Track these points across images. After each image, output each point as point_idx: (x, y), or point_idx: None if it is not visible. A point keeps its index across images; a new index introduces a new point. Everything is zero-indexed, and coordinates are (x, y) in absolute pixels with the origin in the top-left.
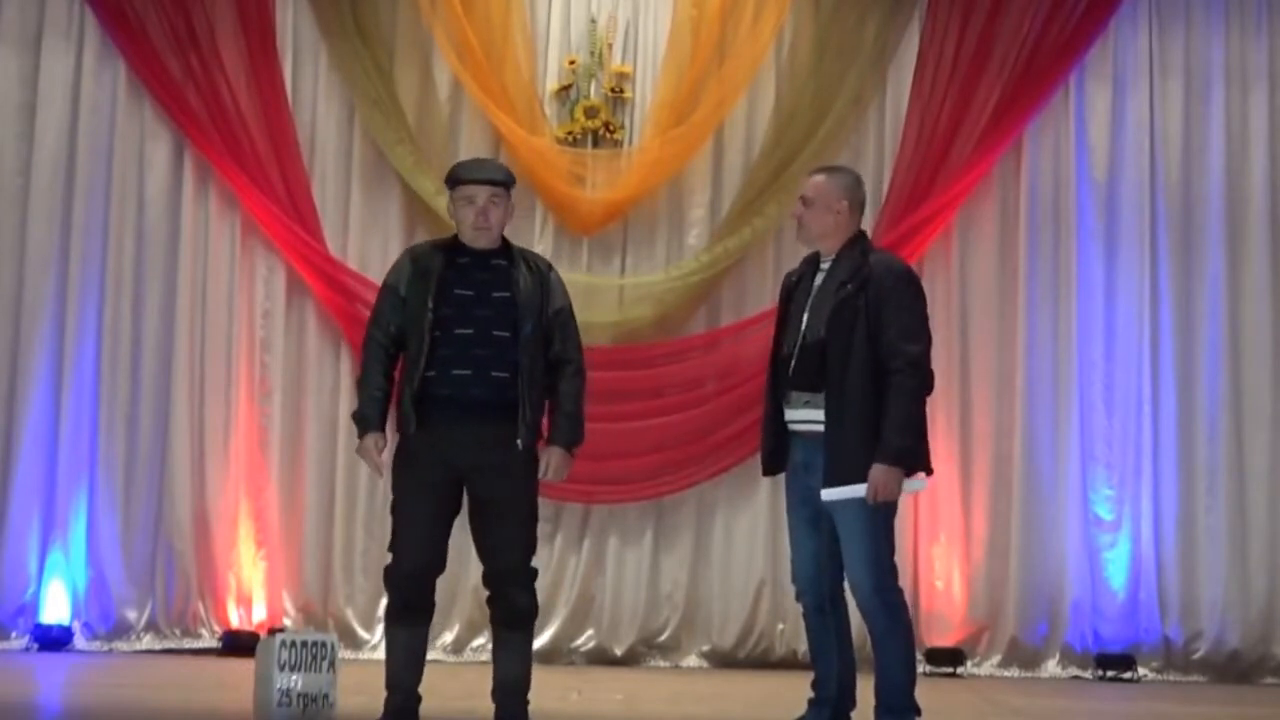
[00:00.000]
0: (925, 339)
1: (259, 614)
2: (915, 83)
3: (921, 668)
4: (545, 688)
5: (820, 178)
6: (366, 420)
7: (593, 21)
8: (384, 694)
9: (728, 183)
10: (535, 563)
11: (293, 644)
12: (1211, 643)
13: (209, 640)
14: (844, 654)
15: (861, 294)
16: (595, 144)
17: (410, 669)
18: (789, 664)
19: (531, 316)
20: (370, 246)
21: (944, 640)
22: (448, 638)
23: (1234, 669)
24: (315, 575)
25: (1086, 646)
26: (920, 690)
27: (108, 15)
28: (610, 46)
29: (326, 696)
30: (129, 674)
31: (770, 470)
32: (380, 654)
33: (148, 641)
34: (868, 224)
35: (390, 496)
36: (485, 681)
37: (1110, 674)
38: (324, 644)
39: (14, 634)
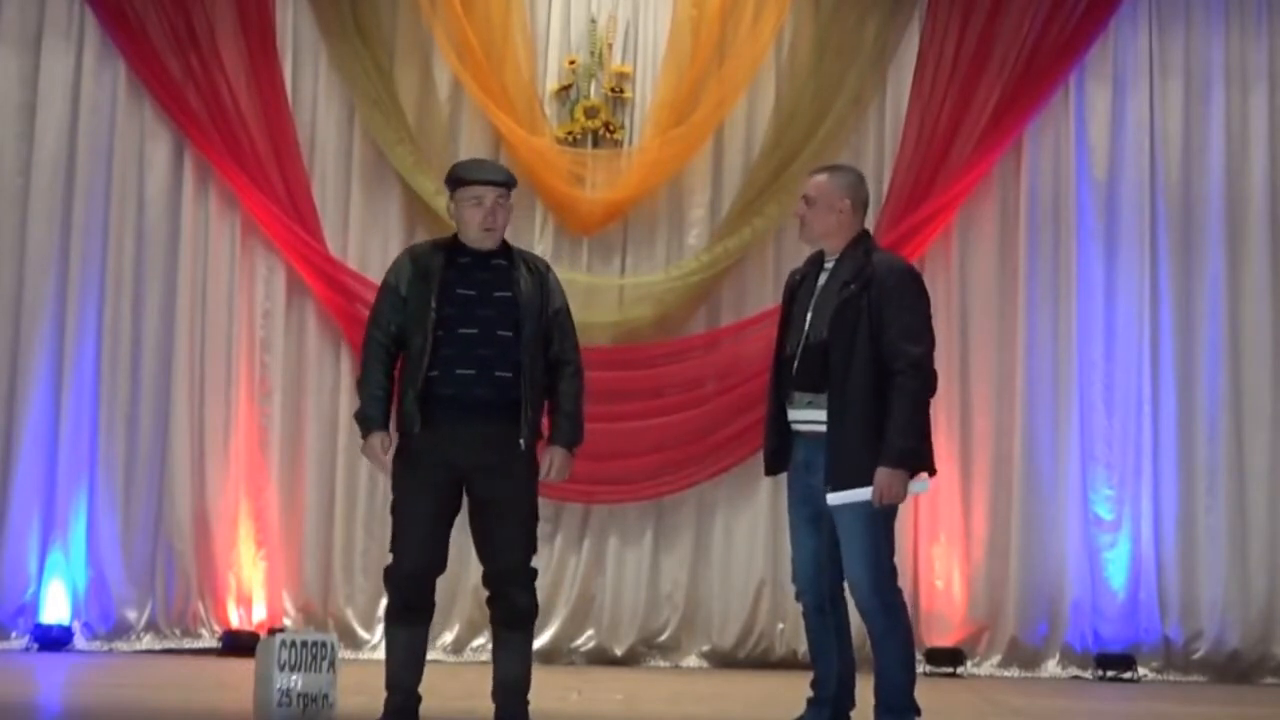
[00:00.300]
0: (928, 339)
1: (259, 614)
2: (915, 83)
3: (921, 668)
4: (545, 688)
5: (823, 177)
6: (370, 419)
7: (593, 21)
8: (384, 694)
9: (728, 183)
10: (535, 563)
11: (293, 644)
12: (1211, 643)
13: (209, 640)
14: (844, 654)
15: (864, 294)
16: (595, 144)
17: (410, 669)
18: (789, 664)
19: (532, 316)
20: (370, 246)
21: (944, 640)
22: (448, 638)
23: (1234, 669)
24: (315, 575)
25: (1086, 646)
26: (920, 690)
27: (108, 15)
28: (610, 46)
29: (326, 696)
30: (129, 674)
31: (773, 470)
32: (380, 654)
33: (148, 641)
34: (868, 224)
35: (390, 496)
36: (485, 681)
37: (1110, 674)
38: (324, 644)
39: (14, 634)
